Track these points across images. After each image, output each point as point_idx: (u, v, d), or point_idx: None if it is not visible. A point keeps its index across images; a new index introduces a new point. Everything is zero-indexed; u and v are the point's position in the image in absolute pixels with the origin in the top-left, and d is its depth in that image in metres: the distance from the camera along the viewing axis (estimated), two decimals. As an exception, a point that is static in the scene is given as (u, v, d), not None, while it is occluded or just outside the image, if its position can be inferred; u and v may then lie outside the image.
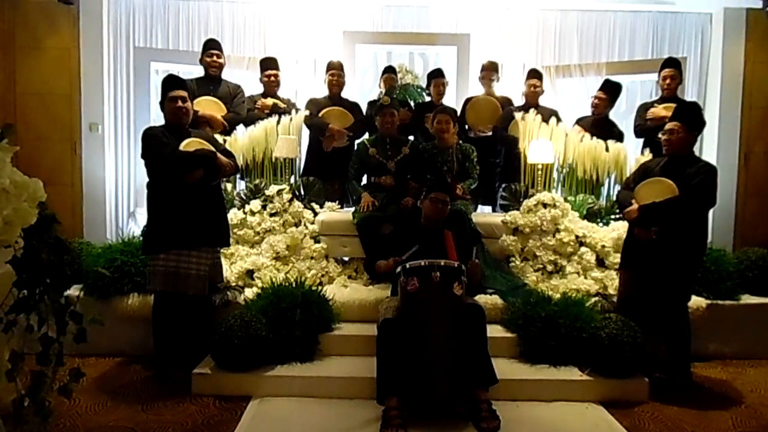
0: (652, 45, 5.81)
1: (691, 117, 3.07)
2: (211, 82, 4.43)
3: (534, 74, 4.71)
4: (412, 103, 4.89)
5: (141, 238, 3.50)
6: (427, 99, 4.86)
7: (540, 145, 4.19)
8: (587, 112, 4.77)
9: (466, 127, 4.72)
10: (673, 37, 5.77)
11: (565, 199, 4.12)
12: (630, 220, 3.10)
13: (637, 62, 5.67)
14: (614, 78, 4.75)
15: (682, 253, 3.01)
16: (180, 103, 3.07)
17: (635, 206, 3.07)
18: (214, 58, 4.41)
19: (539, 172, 4.27)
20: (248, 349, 2.91)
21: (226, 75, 4.60)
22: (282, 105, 4.52)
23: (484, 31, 5.80)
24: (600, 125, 4.53)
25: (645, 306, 3.12)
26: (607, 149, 4.24)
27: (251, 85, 4.93)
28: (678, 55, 5.56)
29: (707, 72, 5.64)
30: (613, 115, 4.78)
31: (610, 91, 4.54)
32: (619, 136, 4.49)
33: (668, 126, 3.10)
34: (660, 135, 3.18)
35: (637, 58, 5.76)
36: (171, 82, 3.13)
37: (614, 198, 4.07)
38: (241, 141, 4.27)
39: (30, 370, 1.38)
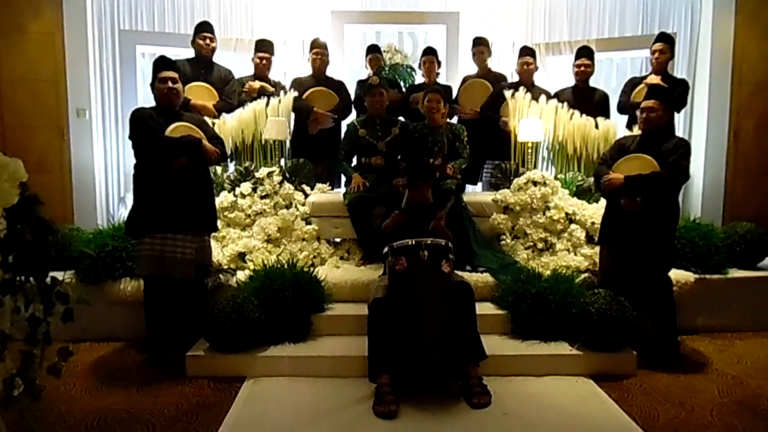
0: (642, 21, 5.79)
1: (668, 96, 3.14)
2: (203, 66, 4.37)
3: (526, 51, 4.63)
4: (402, 85, 4.84)
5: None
6: (421, 80, 4.79)
7: (530, 123, 4.18)
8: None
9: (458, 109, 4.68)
10: (663, 13, 5.76)
11: (555, 177, 4.14)
12: (614, 188, 3.10)
13: (626, 39, 5.65)
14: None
15: (659, 225, 3.06)
16: (170, 84, 3.05)
17: (620, 176, 3.08)
18: (207, 41, 4.34)
19: (529, 151, 4.27)
20: (241, 331, 2.93)
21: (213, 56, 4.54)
22: (270, 89, 4.46)
23: (474, 8, 5.76)
24: (584, 95, 4.53)
25: (627, 280, 3.15)
26: (596, 126, 4.25)
27: (238, 67, 4.87)
28: (668, 31, 5.54)
29: (697, 48, 5.62)
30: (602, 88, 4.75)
31: (592, 56, 4.53)
32: (604, 100, 4.52)
33: (646, 104, 3.12)
34: (637, 113, 3.20)
35: (627, 34, 5.73)
36: (161, 64, 3.11)
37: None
38: (230, 123, 4.23)
39: (19, 350, 1.39)
